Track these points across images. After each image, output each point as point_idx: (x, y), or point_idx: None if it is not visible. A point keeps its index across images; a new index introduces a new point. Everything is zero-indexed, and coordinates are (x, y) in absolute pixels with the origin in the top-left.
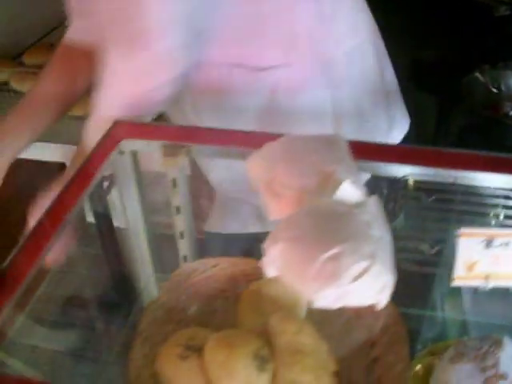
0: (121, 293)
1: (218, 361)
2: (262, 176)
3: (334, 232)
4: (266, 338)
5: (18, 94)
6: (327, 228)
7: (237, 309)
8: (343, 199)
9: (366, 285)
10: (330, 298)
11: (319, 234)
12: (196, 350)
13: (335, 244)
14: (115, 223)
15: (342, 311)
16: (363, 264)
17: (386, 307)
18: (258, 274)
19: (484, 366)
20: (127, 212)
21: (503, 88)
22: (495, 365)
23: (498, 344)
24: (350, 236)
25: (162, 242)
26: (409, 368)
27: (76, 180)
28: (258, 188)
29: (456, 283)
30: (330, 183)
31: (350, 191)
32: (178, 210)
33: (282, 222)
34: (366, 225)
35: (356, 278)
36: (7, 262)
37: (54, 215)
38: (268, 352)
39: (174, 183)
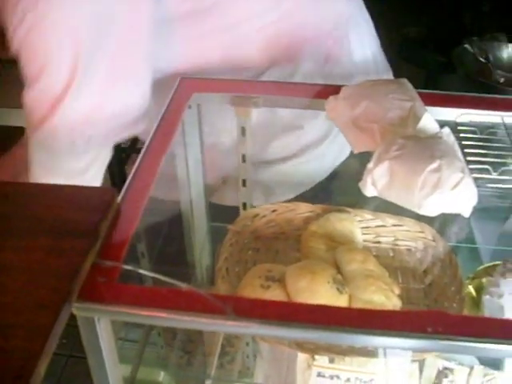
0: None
1: (301, 286)
2: (345, 114)
3: (431, 150)
4: (334, 267)
5: None
6: (424, 148)
7: (300, 247)
8: (424, 129)
9: (460, 194)
10: (432, 205)
11: (419, 153)
12: (275, 280)
13: (435, 159)
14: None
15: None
16: (459, 175)
17: (435, 241)
18: (312, 217)
19: None
20: (190, 165)
21: (491, 58)
22: None
23: None
24: (444, 154)
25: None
26: (463, 288)
27: (158, 135)
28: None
29: None
30: (410, 116)
31: (429, 123)
32: (243, 158)
33: (382, 147)
34: (452, 147)
35: (454, 187)
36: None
37: (150, 165)
38: (342, 278)
39: (243, 132)
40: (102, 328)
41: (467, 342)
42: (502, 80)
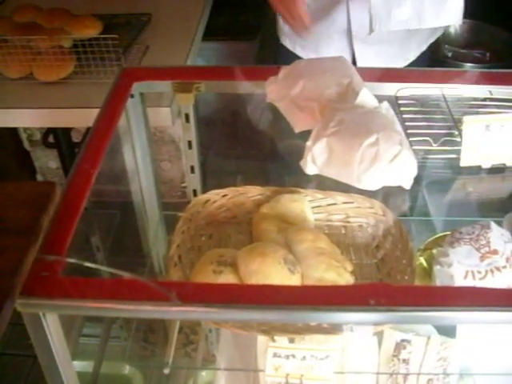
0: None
1: (252, 269)
2: (284, 94)
3: (369, 125)
4: (286, 248)
5: None
6: (361, 122)
7: (252, 230)
8: (363, 104)
9: (398, 166)
10: (372, 179)
11: (356, 128)
12: (227, 264)
13: (372, 133)
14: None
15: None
16: (396, 148)
17: (385, 215)
18: (263, 199)
19: (478, 245)
20: (137, 155)
21: None
22: (487, 244)
23: (486, 227)
24: (381, 127)
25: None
26: (413, 260)
27: (99, 126)
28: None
29: (463, 163)
30: (349, 92)
31: (367, 97)
32: (189, 144)
33: (320, 125)
34: (390, 120)
35: (392, 160)
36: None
37: (92, 157)
38: (293, 257)
39: (187, 118)
40: (50, 323)
41: (411, 311)
42: (450, 54)
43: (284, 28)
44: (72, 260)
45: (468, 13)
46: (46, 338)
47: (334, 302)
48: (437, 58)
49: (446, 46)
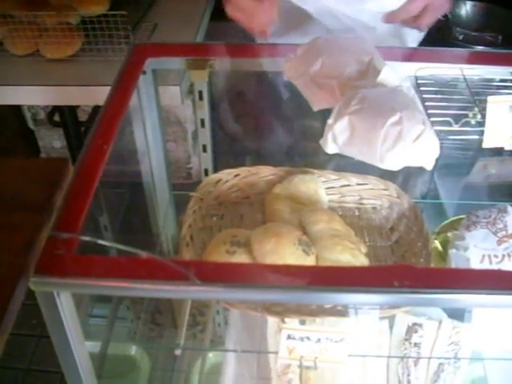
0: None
1: (267, 250)
2: (303, 72)
3: (391, 103)
4: (300, 228)
5: None
6: (384, 100)
7: (264, 210)
8: (384, 83)
9: (422, 146)
10: (394, 158)
11: (379, 106)
12: (240, 245)
13: (395, 112)
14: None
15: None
16: (420, 127)
17: (400, 197)
18: (276, 180)
19: (495, 229)
20: (148, 133)
21: (449, 15)
22: (505, 227)
23: (503, 211)
24: (405, 106)
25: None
26: (429, 243)
27: (112, 102)
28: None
29: (486, 145)
30: (370, 70)
31: (389, 75)
32: (202, 122)
33: (341, 103)
34: (412, 99)
35: (416, 139)
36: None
37: (105, 133)
38: (308, 239)
39: (200, 96)
40: (63, 302)
41: (434, 294)
42: (460, 37)
43: None
44: (86, 238)
45: None
46: (59, 316)
47: (357, 283)
48: (447, 41)
49: (457, 28)
